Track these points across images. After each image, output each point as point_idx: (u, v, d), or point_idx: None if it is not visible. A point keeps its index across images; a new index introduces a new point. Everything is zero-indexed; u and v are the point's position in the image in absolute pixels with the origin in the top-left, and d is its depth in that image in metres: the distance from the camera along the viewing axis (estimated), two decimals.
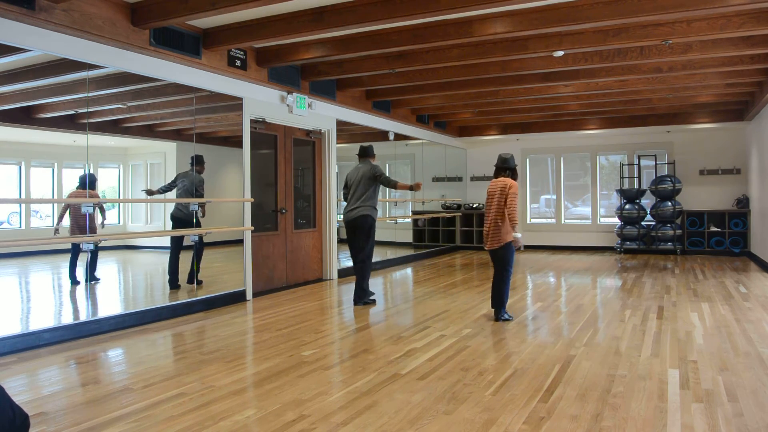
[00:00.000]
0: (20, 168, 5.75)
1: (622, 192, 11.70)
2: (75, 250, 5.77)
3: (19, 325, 5.20)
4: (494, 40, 6.14)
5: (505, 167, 5.54)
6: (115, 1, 4.90)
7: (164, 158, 6.82)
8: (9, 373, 3.94)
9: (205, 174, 6.58)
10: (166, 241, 6.77)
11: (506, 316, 5.41)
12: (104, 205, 6.13)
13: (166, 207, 6.80)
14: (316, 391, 3.49)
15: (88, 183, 5.57)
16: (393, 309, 6.29)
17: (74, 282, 5.93)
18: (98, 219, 5.87)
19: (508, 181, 5.41)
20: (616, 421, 2.97)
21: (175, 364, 4.18)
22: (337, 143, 8.60)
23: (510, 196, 5.27)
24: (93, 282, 5.98)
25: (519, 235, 5.34)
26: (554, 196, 12.93)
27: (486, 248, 5.51)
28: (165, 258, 6.61)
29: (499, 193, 5.37)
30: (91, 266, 5.88)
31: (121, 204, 6.81)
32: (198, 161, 6.45)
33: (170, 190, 6.53)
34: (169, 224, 6.55)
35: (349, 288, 7.68)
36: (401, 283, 8.42)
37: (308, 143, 8.19)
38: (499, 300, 5.42)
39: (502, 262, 5.42)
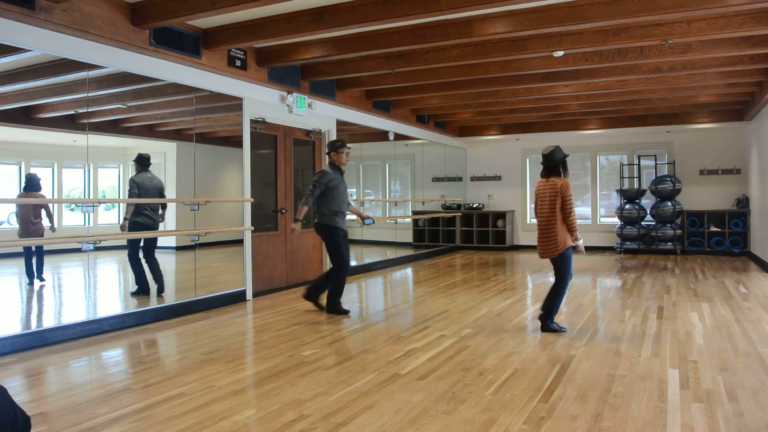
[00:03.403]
0: (20, 168, 5.74)
1: (622, 192, 11.70)
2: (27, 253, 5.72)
3: (19, 325, 5.21)
4: (494, 40, 6.14)
5: (552, 164, 4.88)
6: (115, 1, 4.90)
7: (164, 158, 6.82)
8: (9, 373, 3.95)
9: (204, 174, 6.56)
10: (167, 242, 6.76)
11: (554, 327, 4.92)
12: (51, 209, 5.77)
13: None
14: (316, 391, 3.49)
15: (32, 185, 5.42)
16: (393, 309, 6.29)
17: (31, 282, 5.84)
18: (45, 223, 5.62)
19: (559, 180, 4.82)
20: (616, 421, 2.97)
21: (175, 364, 4.18)
22: None
23: (564, 198, 4.76)
24: (41, 282, 5.92)
25: (581, 241, 4.88)
26: None
27: (540, 257, 4.99)
28: (165, 258, 6.60)
29: (550, 195, 4.84)
30: (38, 267, 5.80)
31: (121, 204, 6.80)
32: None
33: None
34: (170, 224, 6.53)
35: (350, 288, 7.67)
36: (401, 283, 8.42)
37: (308, 143, 8.19)
38: (547, 309, 4.95)
39: (557, 270, 4.93)
